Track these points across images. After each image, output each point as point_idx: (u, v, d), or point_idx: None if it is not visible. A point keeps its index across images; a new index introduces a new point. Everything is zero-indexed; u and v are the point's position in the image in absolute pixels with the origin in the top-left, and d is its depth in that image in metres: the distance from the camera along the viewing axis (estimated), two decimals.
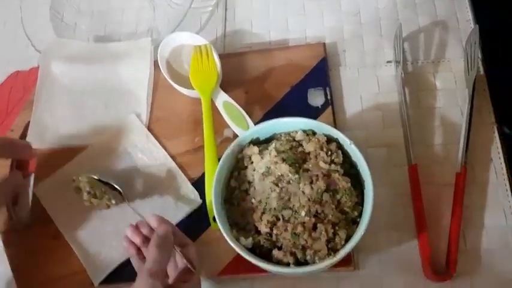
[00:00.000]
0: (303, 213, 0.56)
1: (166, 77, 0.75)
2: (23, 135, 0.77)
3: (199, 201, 0.69)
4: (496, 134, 0.70)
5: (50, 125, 0.77)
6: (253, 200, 0.60)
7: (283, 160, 0.59)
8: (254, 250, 0.58)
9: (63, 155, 0.75)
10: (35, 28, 0.86)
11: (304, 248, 0.56)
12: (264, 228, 0.58)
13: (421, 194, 0.66)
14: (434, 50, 0.77)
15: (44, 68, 0.81)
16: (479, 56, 0.74)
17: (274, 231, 0.57)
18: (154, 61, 0.79)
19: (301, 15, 0.83)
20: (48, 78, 0.80)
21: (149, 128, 0.76)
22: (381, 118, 0.73)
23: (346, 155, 0.62)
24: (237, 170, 0.63)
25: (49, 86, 0.80)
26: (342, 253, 0.54)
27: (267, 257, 0.58)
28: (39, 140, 0.76)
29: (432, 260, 0.62)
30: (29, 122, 0.77)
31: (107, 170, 0.73)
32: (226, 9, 0.86)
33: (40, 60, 0.83)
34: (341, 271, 0.64)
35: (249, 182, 0.61)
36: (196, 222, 0.68)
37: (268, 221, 0.58)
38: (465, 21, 0.79)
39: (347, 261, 0.63)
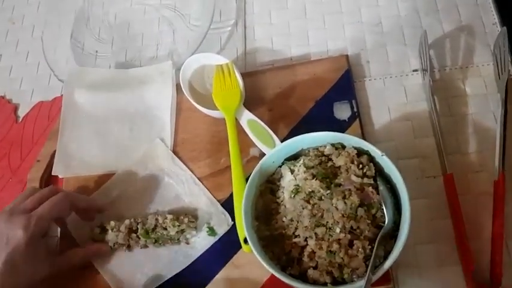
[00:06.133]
0: (337, 230, 0.54)
1: (189, 98, 0.74)
2: (50, 164, 0.77)
3: (231, 222, 0.67)
4: None
5: (76, 153, 0.77)
6: (284, 219, 0.58)
7: (313, 176, 0.58)
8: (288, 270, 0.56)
9: (90, 183, 0.75)
10: (56, 58, 0.87)
11: (340, 266, 0.54)
12: (297, 248, 0.56)
13: (459, 204, 0.63)
14: (462, 55, 0.75)
15: (67, 97, 0.81)
16: (509, 58, 0.71)
17: (309, 250, 0.55)
18: (176, 84, 0.78)
19: (322, 29, 0.82)
20: (72, 106, 0.81)
21: (174, 151, 0.75)
22: (411, 128, 0.71)
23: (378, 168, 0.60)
24: (266, 189, 0.62)
25: (73, 114, 0.80)
26: (381, 270, 0.52)
27: (301, 277, 0.56)
28: (65, 169, 0.76)
29: (475, 273, 0.59)
30: (54, 151, 0.77)
31: (135, 197, 0.72)
32: (245, 28, 0.86)
33: (63, 90, 0.83)
34: None
35: (279, 200, 0.60)
36: (226, 245, 0.67)
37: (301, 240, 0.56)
38: (491, 25, 0.76)
39: (386, 279, 0.60)
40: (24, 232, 0.59)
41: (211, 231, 0.67)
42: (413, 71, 0.75)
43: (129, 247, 0.68)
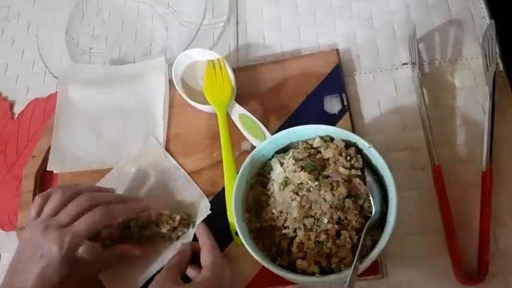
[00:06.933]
0: (325, 221, 0.55)
1: (181, 94, 0.75)
2: (45, 160, 0.78)
3: (209, 211, 0.67)
4: None
5: (70, 149, 0.78)
6: (274, 211, 0.59)
7: (302, 168, 0.58)
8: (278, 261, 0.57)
9: (85, 178, 0.75)
10: (51, 55, 0.88)
11: (328, 256, 0.55)
12: (286, 239, 0.57)
13: (447, 195, 0.64)
14: (451, 49, 0.76)
15: (62, 94, 0.82)
16: (497, 51, 0.72)
17: (297, 241, 0.56)
18: (169, 79, 0.79)
19: (313, 24, 0.83)
20: (66, 103, 0.81)
21: (167, 146, 0.76)
22: (401, 121, 0.71)
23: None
24: (256, 182, 0.63)
25: (67, 110, 0.81)
26: (368, 260, 0.53)
27: (290, 267, 0.56)
28: (60, 164, 0.77)
29: (463, 263, 0.60)
30: (49, 147, 0.78)
31: (128, 194, 0.72)
32: (237, 24, 0.86)
33: (57, 86, 0.84)
34: (369, 279, 0.62)
35: (269, 193, 0.61)
36: (218, 238, 0.66)
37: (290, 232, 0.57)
38: (480, 18, 0.77)
39: (375, 269, 0.61)
40: (59, 249, 0.56)
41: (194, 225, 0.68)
42: (403, 64, 0.76)
43: (121, 244, 0.68)
